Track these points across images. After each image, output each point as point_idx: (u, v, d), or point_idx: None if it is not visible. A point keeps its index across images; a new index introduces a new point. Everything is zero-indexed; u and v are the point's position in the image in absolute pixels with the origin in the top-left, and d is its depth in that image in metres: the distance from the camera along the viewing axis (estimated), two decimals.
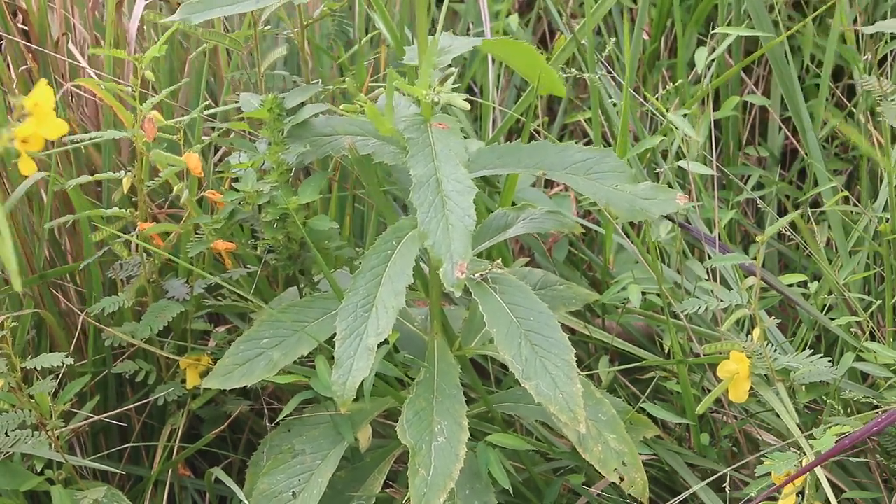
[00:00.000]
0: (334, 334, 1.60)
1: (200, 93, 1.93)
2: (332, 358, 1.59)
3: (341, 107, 1.75)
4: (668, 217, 2.00)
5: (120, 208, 1.86)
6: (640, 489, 1.72)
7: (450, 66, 1.61)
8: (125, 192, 1.80)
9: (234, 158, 1.83)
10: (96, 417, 1.91)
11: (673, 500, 1.81)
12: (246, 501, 1.77)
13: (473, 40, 1.62)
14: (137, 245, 1.88)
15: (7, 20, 1.97)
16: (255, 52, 1.93)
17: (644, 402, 1.89)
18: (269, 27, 1.96)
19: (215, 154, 2.13)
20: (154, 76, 1.82)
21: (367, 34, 2.17)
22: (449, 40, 1.63)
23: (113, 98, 1.79)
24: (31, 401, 1.77)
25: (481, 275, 1.65)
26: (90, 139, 1.83)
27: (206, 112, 1.94)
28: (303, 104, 1.78)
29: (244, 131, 1.93)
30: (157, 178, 1.84)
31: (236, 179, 1.81)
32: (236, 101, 1.88)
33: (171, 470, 1.99)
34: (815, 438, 1.69)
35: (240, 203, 1.81)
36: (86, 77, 2.02)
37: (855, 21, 2.34)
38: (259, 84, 1.95)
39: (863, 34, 2.22)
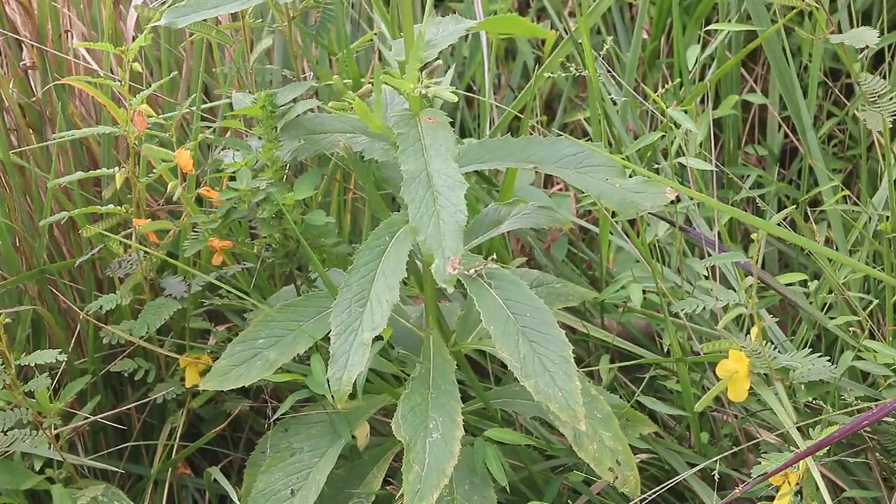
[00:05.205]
0: (330, 332, 1.60)
1: (199, 89, 1.93)
2: (329, 355, 1.60)
3: (329, 104, 1.75)
4: (668, 221, 2.00)
5: (119, 205, 1.86)
6: (632, 487, 1.72)
7: (437, 58, 1.61)
8: (118, 187, 1.81)
9: (227, 156, 1.84)
10: (94, 418, 1.92)
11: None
12: (237, 502, 1.78)
13: (459, 29, 1.62)
14: (135, 241, 1.89)
15: (4, 17, 1.98)
16: (243, 46, 1.93)
17: (640, 395, 1.88)
18: (259, 20, 1.97)
19: (209, 150, 2.13)
20: (144, 69, 1.83)
21: (351, 24, 2.16)
22: (435, 30, 1.62)
23: (105, 96, 1.79)
24: (30, 399, 1.77)
25: (476, 270, 1.64)
26: (80, 135, 1.84)
27: (198, 108, 1.94)
28: (294, 100, 1.79)
29: (238, 130, 1.93)
30: (151, 174, 1.85)
31: (232, 178, 1.82)
32: (228, 97, 1.88)
33: (171, 469, 1.99)
34: (812, 438, 1.69)
35: (236, 201, 1.81)
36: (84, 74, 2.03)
37: (851, 17, 2.33)
38: (249, 78, 1.96)
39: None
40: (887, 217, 1.95)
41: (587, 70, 2.05)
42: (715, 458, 1.84)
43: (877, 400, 1.84)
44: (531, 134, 2.34)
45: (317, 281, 1.92)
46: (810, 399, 1.85)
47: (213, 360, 1.87)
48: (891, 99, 1.87)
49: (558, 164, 1.68)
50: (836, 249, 2.13)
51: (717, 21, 2.46)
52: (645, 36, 2.59)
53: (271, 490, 1.76)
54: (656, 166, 2.16)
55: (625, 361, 2.03)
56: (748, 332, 1.84)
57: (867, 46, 1.93)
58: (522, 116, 2.08)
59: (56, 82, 1.95)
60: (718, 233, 2.03)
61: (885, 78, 2.10)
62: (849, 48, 2.00)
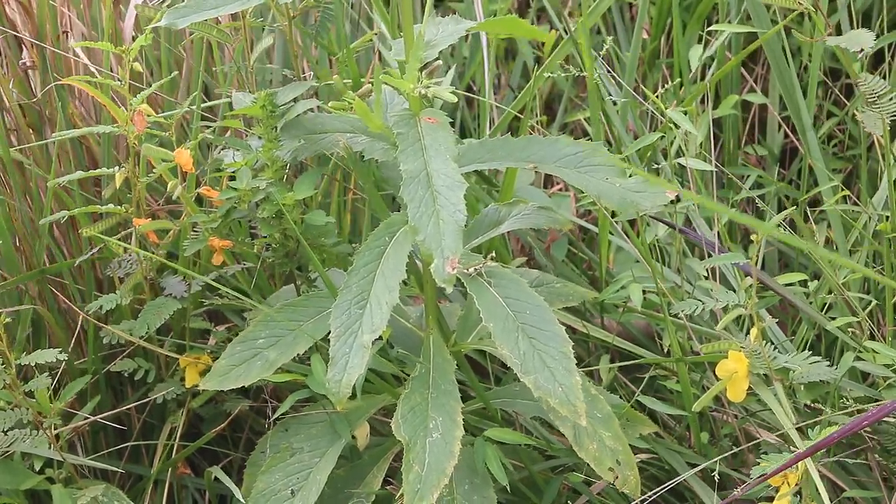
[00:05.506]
0: (330, 332, 1.60)
1: (199, 89, 1.94)
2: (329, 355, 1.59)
3: (329, 104, 1.75)
4: (668, 224, 2.00)
5: (119, 204, 1.87)
6: (632, 486, 1.72)
7: (437, 58, 1.61)
8: (118, 186, 1.81)
9: (227, 155, 1.84)
10: (94, 418, 1.92)
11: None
12: (243, 501, 1.77)
13: (459, 29, 1.62)
14: (135, 241, 1.89)
15: (4, 17, 1.98)
16: (244, 45, 1.93)
17: (640, 395, 1.88)
18: (259, 20, 1.97)
19: (209, 150, 2.14)
20: (144, 68, 1.83)
21: (351, 24, 2.17)
22: (435, 30, 1.62)
23: (105, 96, 1.79)
24: (30, 399, 1.77)
25: (475, 269, 1.64)
26: (79, 133, 1.84)
27: (198, 107, 1.94)
28: (294, 100, 1.79)
29: (238, 129, 1.93)
30: (151, 174, 1.85)
31: (232, 177, 1.82)
32: (228, 96, 1.87)
33: (171, 469, 1.99)
34: (811, 438, 1.69)
35: (236, 201, 1.82)
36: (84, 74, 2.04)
37: (851, 17, 2.33)
38: (249, 77, 1.96)
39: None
40: (887, 217, 1.95)
41: (587, 71, 2.05)
42: (715, 459, 1.84)
43: (877, 400, 1.84)
44: (531, 134, 2.34)
45: (317, 281, 1.92)
46: (810, 400, 1.85)
47: (213, 360, 1.87)
48: (890, 99, 1.87)
49: (558, 163, 1.67)
50: (836, 250, 2.13)
51: (716, 21, 2.46)
52: (645, 36, 2.59)
53: (271, 490, 1.76)
54: (656, 166, 2.16)
55: (625, 361, 2.03)
56: (748, 333, 1.84)
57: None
58: (522, 116, 2.08)
59: (56, 82, 1.95)
60: (718, 233, 2.03)
61: (884, 78, 2.10)
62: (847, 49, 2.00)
